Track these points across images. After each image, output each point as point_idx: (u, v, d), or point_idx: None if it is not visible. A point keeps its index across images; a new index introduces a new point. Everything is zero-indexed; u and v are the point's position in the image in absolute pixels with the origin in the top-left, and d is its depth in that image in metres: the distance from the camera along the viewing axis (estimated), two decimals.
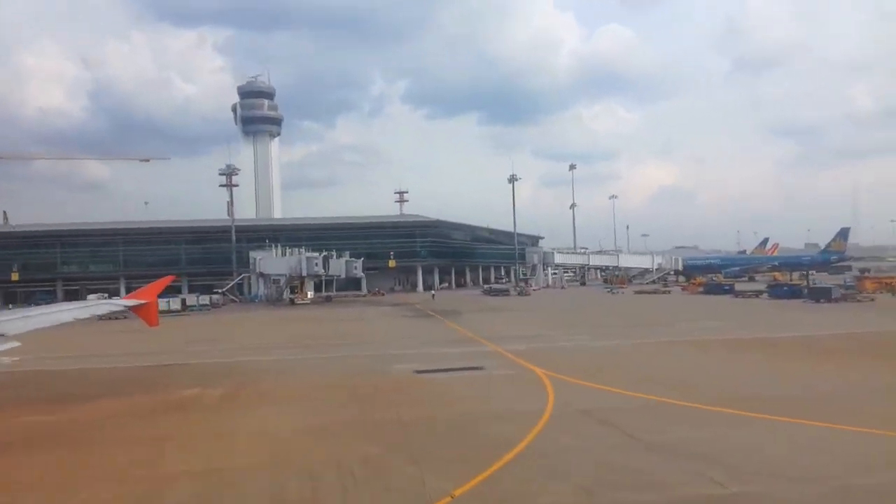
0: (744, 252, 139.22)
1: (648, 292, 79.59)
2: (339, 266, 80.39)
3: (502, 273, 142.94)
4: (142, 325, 20.47)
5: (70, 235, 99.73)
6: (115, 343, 38.81)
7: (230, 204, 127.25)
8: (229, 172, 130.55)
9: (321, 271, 77.47)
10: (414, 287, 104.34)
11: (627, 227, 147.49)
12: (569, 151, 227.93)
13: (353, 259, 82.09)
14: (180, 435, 15.32)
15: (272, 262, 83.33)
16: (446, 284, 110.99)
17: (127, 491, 11.19)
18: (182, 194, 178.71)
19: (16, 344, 8.07)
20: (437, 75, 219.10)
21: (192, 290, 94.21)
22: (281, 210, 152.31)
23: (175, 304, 70.99)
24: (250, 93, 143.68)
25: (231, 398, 20.03)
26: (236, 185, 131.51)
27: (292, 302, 78.46)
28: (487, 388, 20.54)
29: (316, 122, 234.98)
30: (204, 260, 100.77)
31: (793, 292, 59.60)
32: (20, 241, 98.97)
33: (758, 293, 64.36)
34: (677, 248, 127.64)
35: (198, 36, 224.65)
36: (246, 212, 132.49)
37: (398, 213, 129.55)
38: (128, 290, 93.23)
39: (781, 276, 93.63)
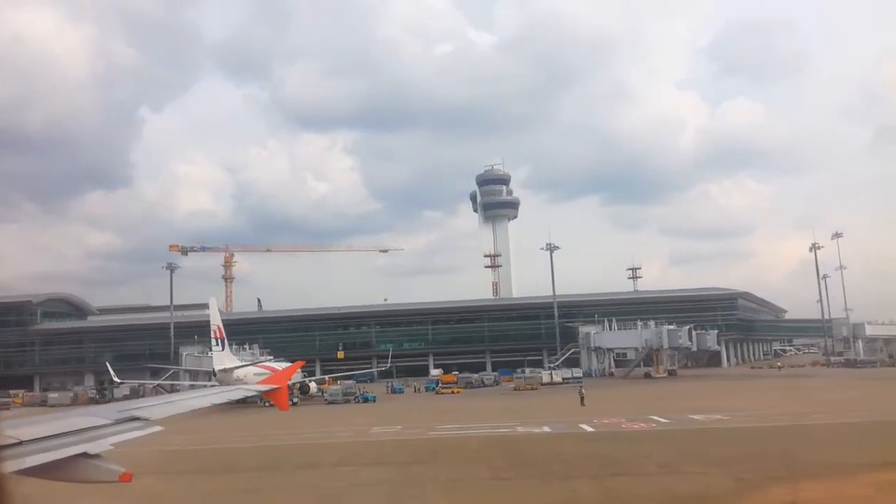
0: None
1: None
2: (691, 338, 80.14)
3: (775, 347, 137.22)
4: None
5: (384, 315, 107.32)
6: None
7: (496, 284, 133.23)
8: (494, 255, 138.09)
9: (686, 343, 77.51)
10: (715, 363, 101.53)
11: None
12: (698, 228, 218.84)
13: (704, 331, 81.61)
14: None
15: (613, 335, 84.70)
16: (735, 361, 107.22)
17: None
18: (330, 282, 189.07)
19: (158, 428, 7.42)
20: (557, 161, 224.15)
21: (494, 366, 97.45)
22: (501, 290, 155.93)
23: (557, 377, 73.49)
24: (488, 180, 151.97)
25: None
26: (499, 266, 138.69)
27: (647, 375, 78.48)
28: None
29: (437, 211, 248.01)
30: (505, 336, 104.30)
31: None
32: (341, 321, 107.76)
33: None
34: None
35: (330, 140, 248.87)
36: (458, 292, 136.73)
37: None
38: (435, 367, 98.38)
39: None
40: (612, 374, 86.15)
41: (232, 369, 59.36)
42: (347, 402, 61.41)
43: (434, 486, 20.29)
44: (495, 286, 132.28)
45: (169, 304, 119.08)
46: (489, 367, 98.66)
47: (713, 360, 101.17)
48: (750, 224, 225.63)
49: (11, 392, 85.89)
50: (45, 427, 6.33)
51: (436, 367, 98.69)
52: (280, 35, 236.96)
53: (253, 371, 62.78)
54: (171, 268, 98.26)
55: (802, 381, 64.28)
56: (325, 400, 62.43)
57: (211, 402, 9.92)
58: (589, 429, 32.15)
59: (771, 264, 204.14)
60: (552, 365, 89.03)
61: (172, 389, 70.98)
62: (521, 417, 38.63)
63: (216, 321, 59.71)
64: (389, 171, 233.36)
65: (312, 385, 70.05)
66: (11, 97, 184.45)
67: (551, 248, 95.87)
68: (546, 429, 32.82)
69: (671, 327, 78.93)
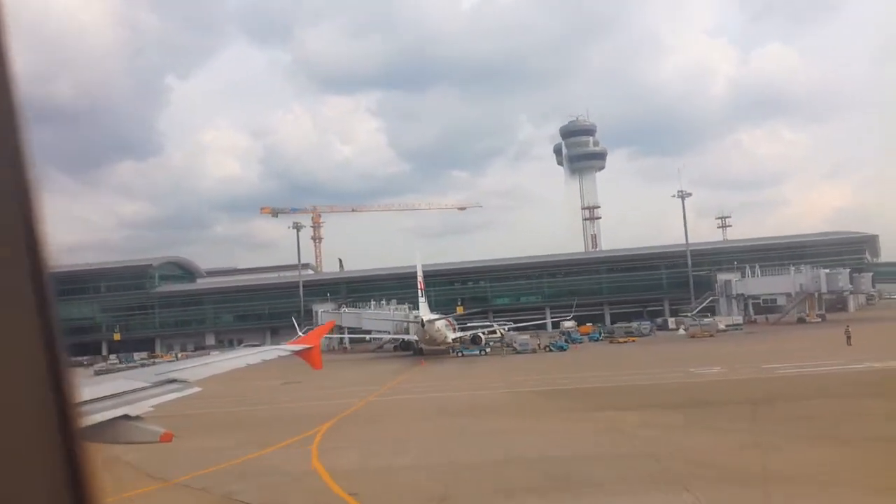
0: None
1: None
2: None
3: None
4: None
5: (501, 270, 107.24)
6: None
7: (595, 236, 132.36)
8: (593, 206, 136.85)
9: (846, 287, 76.65)
10: (836, 308, 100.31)
11: None
12: (730, 179, 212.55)
13: (859, 274, 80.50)
14: None
15: (761, 281, 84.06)
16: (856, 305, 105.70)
17: None
18: (365, 244, 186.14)
19: (197, 389, 7.39)
20: (585, 115, 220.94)
21: (613, 318, 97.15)
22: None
23: (721, 324, 73.13)
24: (573, 132, 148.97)
25: None
26: (599, 218, 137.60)
27: (801, 320, 77.99)
28: None
29: (464, 170, 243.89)
30: (623, 287, 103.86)
31: None
32: (455, 276, 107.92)
33: None
34: None
35: (354, 101, 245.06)
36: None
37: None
38: (554, 319, 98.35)
39: None
40: (754, 321, 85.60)
41: (434, 320, 60.22)
42: (535, 351, 61.71)
43: None
44: (594, 238, 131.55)
45: (257, 266, 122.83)
46: (608, 319, 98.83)
47: (833, 305, 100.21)
48: (783, 173, 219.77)
49: (136, 354, 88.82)
50: (86, 391, 6.44)
51: (553, 319, 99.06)
52: None
53: (443, 323, 63.88)
54: (297, 227, 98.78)
55: None
56: (516, 350, 62.68)
57: (246, 363, 9.75)
58: None
59: (805, 213, 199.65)
60: (690, 314, 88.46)
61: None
62: (806, 358, 38.46)
63: (420, 275, 60.06)
64: (415, 132, 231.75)
65: (482, 337, 70.49)
66: (39, 68, 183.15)
67: (683, 196, 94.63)
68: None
69: (828, 271, 77.99)
